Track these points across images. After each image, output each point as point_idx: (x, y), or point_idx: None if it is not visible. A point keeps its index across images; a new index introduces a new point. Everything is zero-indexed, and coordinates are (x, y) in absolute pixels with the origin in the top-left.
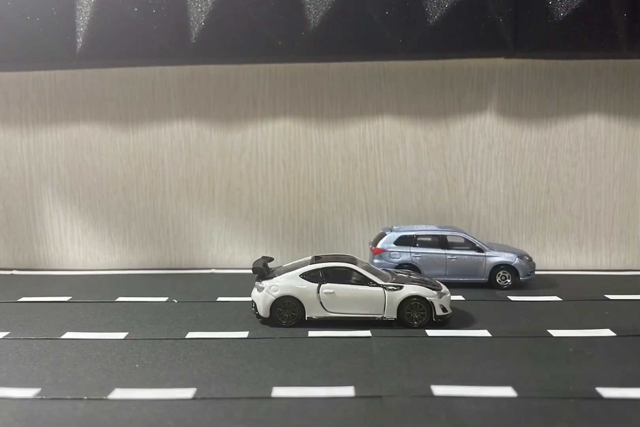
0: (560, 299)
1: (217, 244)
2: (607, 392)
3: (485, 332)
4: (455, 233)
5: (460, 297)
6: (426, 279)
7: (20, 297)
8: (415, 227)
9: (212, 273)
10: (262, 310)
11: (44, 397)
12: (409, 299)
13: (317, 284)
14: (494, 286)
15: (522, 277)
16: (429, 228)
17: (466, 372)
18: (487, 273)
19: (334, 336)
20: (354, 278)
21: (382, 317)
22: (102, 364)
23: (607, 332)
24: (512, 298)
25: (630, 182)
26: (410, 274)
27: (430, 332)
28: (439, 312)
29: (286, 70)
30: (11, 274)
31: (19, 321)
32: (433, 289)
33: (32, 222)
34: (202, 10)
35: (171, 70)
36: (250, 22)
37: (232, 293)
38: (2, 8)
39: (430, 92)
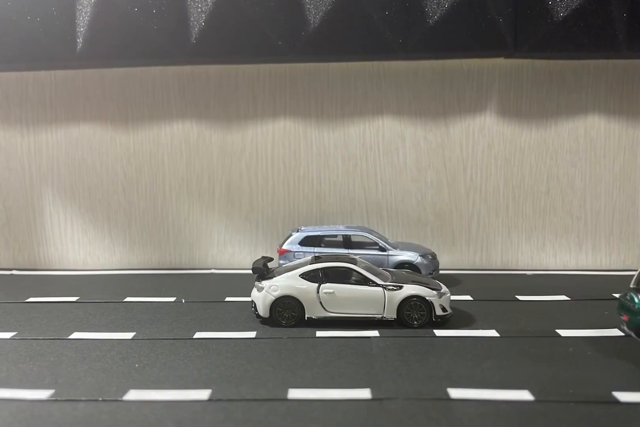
0: (568, 298)
1: (217, 244)
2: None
3: (493, 332)
4: (359, 233)
5: (468, 297)
6: (426, 279)
7: (24, 298)
8: (322, 227)
9: (211, 273)
10: (262, 310)
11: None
12: (408, 299)
13: (317, 284)
14: None
15: (424, 275)
16: (334, 228)
17: (468, 373)
18: None
19: (340, 336)
20: (353, 278)
21: (381, 317)
22: (107, 365)
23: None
24: (521, 298)
25: (630, 183)
26: (410, 274)
27: (436, 332)
28: (438, 312)
29: (286, 70)
30: (11, 274)
31: (22, 321)
32: (433, 289)
33: (32, 222)
34: (202, 10)
35: (171, 70)
36: (250, 22)
37: (232, 293)
38: (2, 8)
39: (430, 92)
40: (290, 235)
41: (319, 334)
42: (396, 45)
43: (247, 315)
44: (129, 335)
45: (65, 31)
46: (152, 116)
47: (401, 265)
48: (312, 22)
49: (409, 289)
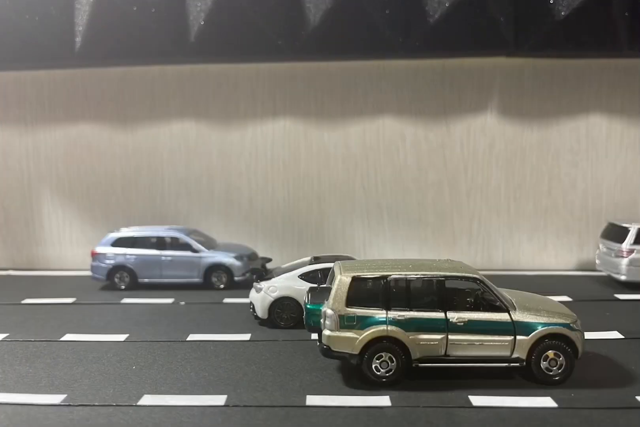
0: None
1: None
2: None
3: None
4: (173, 234)
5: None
6: None
7: (22, 298)
8: (141, 228)
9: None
10: (260, 311)
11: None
12: None
13: (315, 285)
14: (210, 287)
15: (236, 277)
16: (150, 229)
17: None
18: (202, 273)
19: None
20: None
21: None
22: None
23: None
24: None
25: (632, 183)
26: None
27: None
28: None
29: (286, 70)
30: (7, 275)
31: (19, 322)
32: None
33: (30, 222)
34: (201, 9)
35: (170, 70)
36: (250, 21)
37: (231, 294)
38: (1, 7)
39: (431, 91)
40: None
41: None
42: (397, 45)
43: (246, 316)
44: (123, 337)
45: (64, 30)
46: (151, 116)
47: (214, 266)
48: (312, 21)
49: None
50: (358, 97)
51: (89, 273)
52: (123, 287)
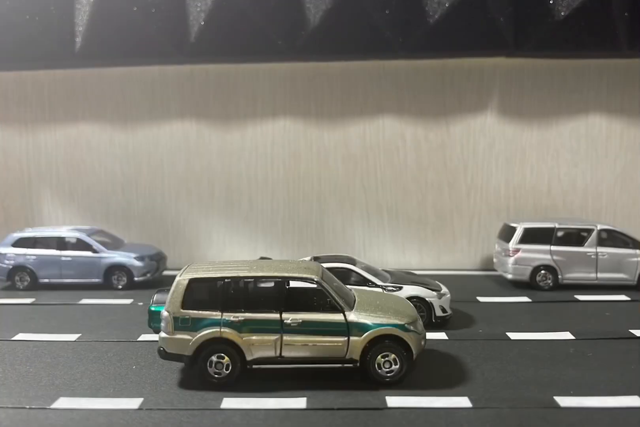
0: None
1: (217, 244)
2: None
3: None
4: (73, 235)
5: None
6: (426, 279)
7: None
8: (44, 229)
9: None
10: None
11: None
12: (408, 299)
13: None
14: (110, 287)
15: (136, 277)
16: (52, 230)
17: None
18: (102, 274)
19: None
20: (353, 279)
21: None
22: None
23: None
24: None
25: (632, 182)
26: (410, 275)
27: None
28: (438, 313)
29: (286, 70)
30: None
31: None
32: (433, 290)
33: (30, 222)
34: (201, 10)
35: (170, 70)
36: (250, 21)
37: None
38: (1, 8)
39: (431, 91)
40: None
41: None
42: (396, 45)
43: None
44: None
45: (64, 30)
46: (151, 116)
47: (114, 267)
48: (312, 21)
49: (409, 290)
50: (358, 97)
51: None
52: (21, 287)
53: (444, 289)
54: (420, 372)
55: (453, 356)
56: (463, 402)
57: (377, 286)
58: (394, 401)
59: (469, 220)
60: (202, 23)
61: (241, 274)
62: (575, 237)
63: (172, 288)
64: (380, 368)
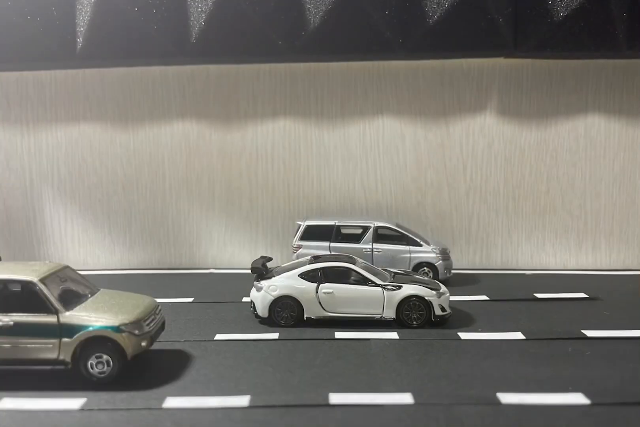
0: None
1: (217, 244)
2: None
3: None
4: None
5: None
6: (426, 279)
7: None
8: None
9: (210, 273)
10: (261, 310)
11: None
12: (407, 298)
13: (315, 284)
14: None
15: None
16: None
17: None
18: None
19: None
20: (352, 278)
21: (380, 317)
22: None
23: None
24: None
25: (630, 182)
26: (409, 274)
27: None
28: (437, 312)
29: (286, 70)
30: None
31: None
32: (432, 289)
33: (32, 222)
34: (202, 10)
35: (171, 70)
36: (250, 21)
37: (232, 293)
38: (2, 8)
39: (430, 91)
40: None
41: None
42: (396, 45)
43: (246, 315)
44: None
45: (66, 31)
46: (152, 116)
47: None
48: (312, 21)
49: (408, 289)
50: (358, 98)
51: (89, 272)
52: None
53: (443, 288)
54: (364, 369)
55: (403, 355)
56: (406, 398)
57: (377, 285)
58: (335, 398)
59: (468, 219)
60: (203, 24)
61: None
62: (355, 234)
63: None
64: (93, 368)
